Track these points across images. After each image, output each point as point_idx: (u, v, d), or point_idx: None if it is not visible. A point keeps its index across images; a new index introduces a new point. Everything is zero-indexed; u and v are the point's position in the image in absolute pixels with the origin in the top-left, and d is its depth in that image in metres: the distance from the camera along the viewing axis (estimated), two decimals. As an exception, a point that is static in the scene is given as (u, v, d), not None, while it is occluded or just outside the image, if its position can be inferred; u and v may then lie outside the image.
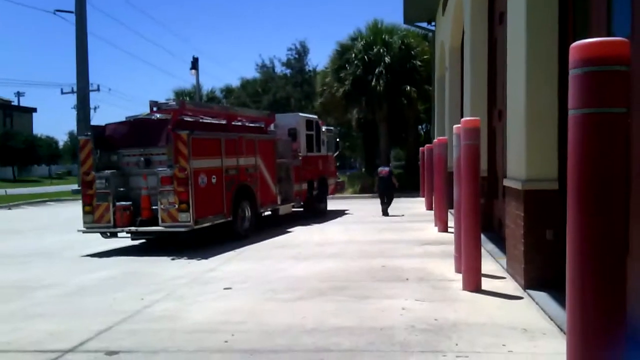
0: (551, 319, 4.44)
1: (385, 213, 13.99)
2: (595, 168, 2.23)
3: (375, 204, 17.84)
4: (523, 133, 5.71)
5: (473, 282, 5.62)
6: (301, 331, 4.44)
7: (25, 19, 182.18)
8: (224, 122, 10.62)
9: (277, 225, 12.11)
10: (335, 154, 16.83)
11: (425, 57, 23.37)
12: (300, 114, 15.16)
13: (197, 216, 8.98)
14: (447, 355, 3.76)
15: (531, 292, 5.30)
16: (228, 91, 38.06)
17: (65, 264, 8.46)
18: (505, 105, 8.36)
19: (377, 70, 23.24)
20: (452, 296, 5.39)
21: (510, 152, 6.46)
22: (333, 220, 13.32)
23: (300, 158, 13.48)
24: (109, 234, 9.53)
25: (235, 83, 38.60)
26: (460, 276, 5.96)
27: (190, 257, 8.41)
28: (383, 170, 14.54)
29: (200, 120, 10.00)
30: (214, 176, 9.50)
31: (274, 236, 10.57)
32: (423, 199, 16.34)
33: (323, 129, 15.42)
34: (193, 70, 30.34)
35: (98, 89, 35.62)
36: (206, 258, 8.32)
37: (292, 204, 13.05)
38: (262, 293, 5.86)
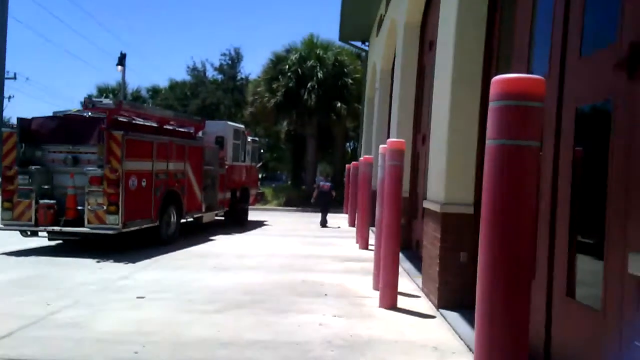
0: (461, 338, 4.63)
1: (324, 224, 14.74)
2: (506, 195, 2.38)
3: (299, 217, 17.99)
4: (444, 158, 5.96)
5: (389, 300, 5.76)
6: (216, 344, 4.36)
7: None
8: (155, 125, 10.46)
9: (198, 234, 11.88)
10: (259, 165, 17.06)
11: (357, 75, 23.88)
12: (229, 122, 15.21)
13: (125, 219, 8.79)
14: (360, 372, 3.83)
15: (444, 311, 5.50)
16: (155, 91, 36.93)
17: None
18: (429, 131, 8.72)
19: (309, 84, 23.46)
20: (368, 313, 5.49)
21: (431, 175, 6.72)
22: (255, 232, 13.24)
23: (226, 167, 13.49)
24: (29, 233, 9.14)
25: (163, 84, 37.52)
26: (377, 293, 6.09)
27: (104, 262, 8.05)
28: (325, 184, 15.43)
29: (133, 122, 9.79)
30: (144, 179, 9.37)
31: (194, 244, 10.33)
32: (346, 215, 16.59)
33: (249, 139, 15.63)
34: (120, 67, 29.18)
35: (14, 77, 33.49)
36: (121, 263, 7.99)
37: (216, 212, 13.03)
38: (177, 304, 5.69)
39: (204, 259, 8.68)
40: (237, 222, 14.32)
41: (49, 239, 9.45)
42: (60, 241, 9.67)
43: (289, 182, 32.34)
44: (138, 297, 5.90)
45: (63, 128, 9.26)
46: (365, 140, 19.00)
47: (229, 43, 66.97)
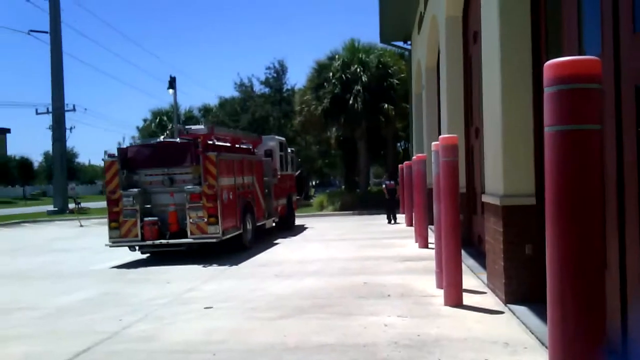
0: (532, 333, 4.48)
1: (392, 220, 16.09)
2: (571, 183, 2.29)
3: (356, 220, 17.98)
4: (500, 149, 5.81)
5: (454, 298, 5.66)
6: (283, 349, 4.41)
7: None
8: (229, 144, 11.84)
9: (260, 241, 12.28)
10: (297, 173, 18.13)
11: (402, 75, 23.68)
12: (276, 136, 16.64)
13: (223, 228, 10.02)
14: (430, 371, 3.78)
15: (512, 306, 5.35)
16: (206, 110, 37.97)
17: (44, 284, 8.30)
18: (481, 123, 8.53)
19: (354, 88, 23.44)
20: (434, 312, 5.41)
21: (488, 168, 6.57)
22: (314, 237, 13.32)
23: (278, 177, 14.58)
24: (136, 248, 10.36)
25: (213, 102, 38.52)
26: (441, 292, 6.00)
27: (171, 279, 8.32)
28: (390, 183, 16.80)
29: (217, 143, 11.00)
30: (231, 193, 10.59)
31: (259, 252, 10.66)
32: (402, 215, 16.45)
33: (289, 150, 16.92)
34: (170, 90, 30.19)
35: (74, 109, 35.08)
36: (185, 278, 8.23)
37: (274, 218, 14.05)
38: (243, 312, 5.81)
39: (267, 268, 8.82)
40: (287, 227, 15.40)
41: (142, 252, 10.73)
42: (149, 254, 10.89)
43: (342, 187, 32.34)
44: (206, 308, 6.06)
45: (157, 153, 10.48)
46: (416, 139, 18.76)
47: (272, 56, 68.00)
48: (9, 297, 7.41)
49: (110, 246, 10.20)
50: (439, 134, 13.95)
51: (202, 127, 11.38)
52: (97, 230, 18.69)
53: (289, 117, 30.16)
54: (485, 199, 6.52)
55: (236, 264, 9.45)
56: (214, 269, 9.06)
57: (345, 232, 14.42)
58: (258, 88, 33.11)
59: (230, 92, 47.65)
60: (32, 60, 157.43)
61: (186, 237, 9.93)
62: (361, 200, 22.99)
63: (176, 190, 10.16)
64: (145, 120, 39.40)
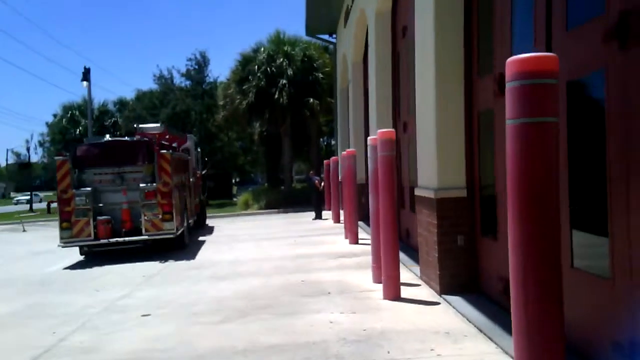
0: (469, 322, 4.67)
1: (319, 217, 16.11)
2: (533, 171, 2.43)
3: (282, 218, 17.94)
4: (433, 144, 5.99)
5: (393, 291, 5.78)
6: (234, 352, 4.33)
7: None
8: (173, 144, 12.08)
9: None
10: (204, 172, 18.02)
11: (327, 69, 23.80)
12: (191, 135, 16.68)
13: (177, 224, 10.33)
14: (382, 364, 3.84)
15: (447, 297, 5.55)
16: (122, 104, 36.33)
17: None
18: (410, 118, 8.75)
19: (280, 82, 23.28)
20: (375, 306, 5.51)
21: (421, 162, 6.74)
22: (242, 237, 13.11)
23: (197, 175, 15.02)
24: (85, 248, 10.44)
25: (130, 95, 36.95)
26: (378, 286, 6.13)
27: (103, 284, 7.92)
28: (318, 179, 16.87)
29: (164, 142, 11.34)
30: (177, 190, 10.78)
31: (187, 255, 10.33)
32: (328, 211, 16.61)
33: (198, 149, 17.07)
34: (85, 82, 28.56)
35: (-25, 103, 32.49)
36: (118, 283, 7.85)
37: (194, 217, 14.13)
38: (184, 317, 5.62)
39: (200, 270, 8.60)
40: (200, 226, 15.41)
41: (81, 254, 10.67)
42: (89, 255, 10.75)
43: (265, 184, 32.15)
44: (143, 315, 5.82)
45: (108, 152, 10.55)
46: (341, 134, 18.96)
47: (194, 48, 66.01)
48: None
49: (62, 247, 10.05)
50: (365, 129, 14.16)
51: (155, 125, 11.69)
52: (6, 237, 17.47)
53: (212, 112, 29.47)
54: (419, 192, 6.70)
55: (169, 266, 9.17)
56: (147, 271, 8.75)
57: (274, 230, 14.32)
58: (179, 81, 32.11)
59: (149, 85, 46.18)
60: None
61: (141, 234, 10.07)
62: (286, 197, 22.93)
63: (129, 188, 10.21)
64: (55, 116, 37.06)
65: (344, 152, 11.25)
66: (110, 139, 11.45)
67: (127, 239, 10.07)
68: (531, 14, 4.36)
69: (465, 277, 5.71)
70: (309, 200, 19.53)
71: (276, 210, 21.09)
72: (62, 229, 9.97)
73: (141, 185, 10.13)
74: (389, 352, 4.06)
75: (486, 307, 4.97)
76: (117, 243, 10.15)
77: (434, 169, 6.00)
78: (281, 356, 4.17)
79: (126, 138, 11.13)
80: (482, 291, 5.52)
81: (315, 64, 24.25)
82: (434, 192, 5.90)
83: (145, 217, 10.02)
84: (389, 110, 10.50)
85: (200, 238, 13.02)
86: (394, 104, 10.36)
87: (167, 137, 11.57)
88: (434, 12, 5.93)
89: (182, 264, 9.41)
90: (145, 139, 10.70)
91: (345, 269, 7.70)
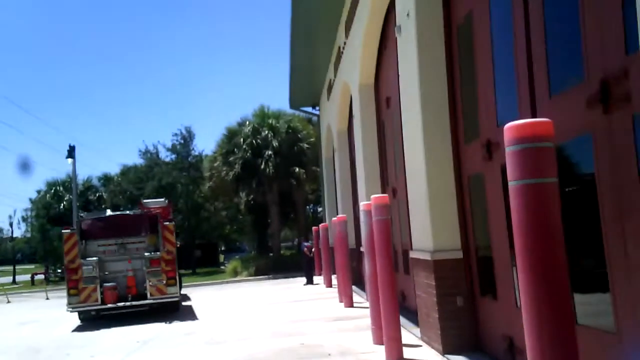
0: (477, 380, 4.70)
1: (310, 282, 16.07)
2: (539, 228, 2.61)
3: (273, 284, 17.81)
4: (426, 208, 6.20)
5: (395, 352, 5.81)
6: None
7: None
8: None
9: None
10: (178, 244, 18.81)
11: (311, 139, 24.43)
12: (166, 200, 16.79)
13: (179, 288, 11.51)
14: None
15: (450, 356, 5.59)
16: (107, 179, 36.46)
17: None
18: (398, 183, 9.04)
19: (265, 153, 23.76)
20: (379, 367, 5.52)
21: (415, 226, 6.94)
22: (235, 303, 13.01)
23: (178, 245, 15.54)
24: (93, 312, 11.23)
25: (114, 171, 37.14)
26: (379, 347, 6.19)
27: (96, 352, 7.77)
28: (308, 245, 17.17)
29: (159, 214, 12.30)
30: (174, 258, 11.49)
31: (181, 319, 10.36)
32: (319, 277, 16.59)
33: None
34: (70, 159, 28.84)
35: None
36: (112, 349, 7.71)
37: None
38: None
39: (195, 335, 8.53)
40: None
41: (81, 320, 11.40)
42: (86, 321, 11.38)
43: (253, 252, 31.97)
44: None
45: (112, 225, 11.56)
46: (328, 201, 19.24)
47: (179, 123, 67.46)
48: None
49: (71, 311, 10.88)
50: (353, 195, 14.47)
51: (159, 200, 12.85)
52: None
53: (197, 184, 29.72)
54: (414, 255, 6.86)
55: (162, 331, 9.13)
56: (142, 336, 8.79)
57: (266, 296, 14.23)
58: (164, 155, 32.51)
59: (134, 160, 46.64)
60: None
61: (145, 298, 10.93)
62: (275, 264, 22.86)
63: (133, 257, 11.17)
64: (39, 192, 37.00)
65: (335, 218, 11.44)
66: (111, 213, 12.55)
67: (133, 302, 10.91)
68: (514, 83, 4.71)
69: (467, 336, 5.77)
70: (298, 266, 19.53)
71: (266, 276, 20.96)
72: (70, 295, 10.72)
73: (145, 254, 11.10)
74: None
75: (491, 367, 5.00)
76: (124, 307, 10.97)
77: (428, 231, 6.17)
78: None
79: (128, 212, 12.46)
80: (485, 350, 5.57)
81: (299, 135, 24.91)
82: (430, 254, 6.05)
83: (150, 283, 10.88)
84: (377, 176, 10.81)
85: (190, 304, 12.86)
86: (381, 170, 10.68)
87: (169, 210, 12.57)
88: (418, 85, 6.30)
89: (178, 328, 9.41)
90: (146, 211, 11.72)
91: (344, 331, 7.70)
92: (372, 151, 10.87)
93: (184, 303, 12.88)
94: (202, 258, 31.62)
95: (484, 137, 5.35)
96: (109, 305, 10.82)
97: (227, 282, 20.88)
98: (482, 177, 5.49)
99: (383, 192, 10.59)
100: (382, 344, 6.06)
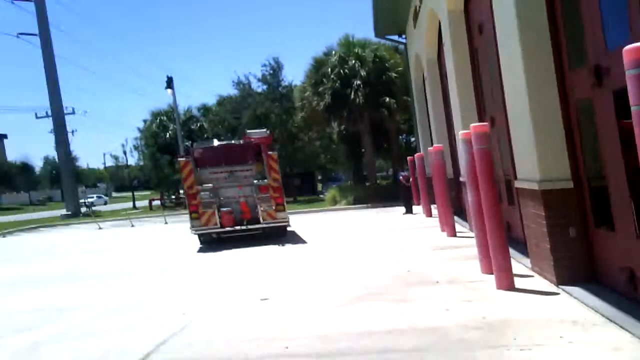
0: (596, 311, 4.65)
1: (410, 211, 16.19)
2: None
3: (372, 213, 18.21)
4: (531, 136, 5.95)
5: (506, 281, 5.86)
6: (357, 335, 4.62)
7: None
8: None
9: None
10: None
11: (399, 68, 23.87)
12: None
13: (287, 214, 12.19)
14: (510, 350, 3.99)
15: (565, 287, 5.52)
16: (205, 109, 38.00)
17: (89, 284, 8.63)
18: (497, 112, 8.72)
19: (354, 83, 23.64)
20: (490, 295, 5.61)
21: (519, 154, 6.75)
22: (337, 231, 13.53)
23: None
24: (214, 235, 12.10)
25: (211, 101, 38.55)
26: (488, 277, 6.24)
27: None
28: (405, 175, 17.16)
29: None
30: (280, 185, 12.27)
31: (286, 248, 10.96)
32: (417, 206, 16.72)
33: None
34: (169, 90, 30.36)
35: (73, 112, 35.23)
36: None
37: None
38: (298, 302, 6.00)
39: (304, 261, 9.07)
40: None
41: (202, 242, 12.26)
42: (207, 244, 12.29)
43: (350, 182, 32.55)
44: (262, 300, 6.28)
45: (220, 154, 12.37)
46: (421, 131, 18.96)
47: (267, 53, 67.92)
48: (64, 297, 7.64)
49: (194, 234, 11.84)
50: (448, 125, 14.15)
51: (261, 130, 12.99)
52: (114, 232, 18.99)
53: (290, 114, 30.28)
54: (520, 184, 6.71)
55: (270, 259, 9.80)
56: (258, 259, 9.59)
57: (367, 224, 14.65)
58: (256, 85, 33.11)
59: (228, 90, 47.82)
60: (28, 64, 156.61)
61: (259, 223, 11.76)
62: (373, 193, 23.27)
63: (243, 184, 11.99)
64: (145, 121, 39.33)
65: (431, 148, 11.33)
66: (219, 142, 13.30)
67: (249, 226, 11.81)
68: (624, 1, 4.35)
69: (581, 267, 5.66)
70: (395, 196, 19.76)
71: (364, 205, 21.45)
72: (192, 219, 11.67)
73: (254, 181, 11.86)
74: (515, 339, 4.18)
75: (611, 298, 4.90)
76: (241, 230, 11.91)
77: (534, 160, 5.97)
78: (404, 339, 4.41)
79: (234, 141, 13.22)
80: (601, 282, 5.47)
81: (387, 64, 24.43)
82: (537, 184, 5.89)
83: (262, 208, 11.71)
84: (472, 105, 10.45)
85: (296, 230, 13.62)
86: (477, 98, 10.32)
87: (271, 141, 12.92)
88: (514, 7, 5.91)
89: (289, 252, 10.16)
90: (250, 141, 12.26)
91: (450, 260, 7.83)
92: (465, 80, 10.43)
93: (289, 229, 13.51)
94: (301, 187, 32.80)
95: (591, 61, 5.04)
96: (227, 229, 11.74)
97: (327, 210, 21.66)
98: (591, 104, 5.22)
99: (479, 121, 10.29)
100: (491, 274, 6.13)
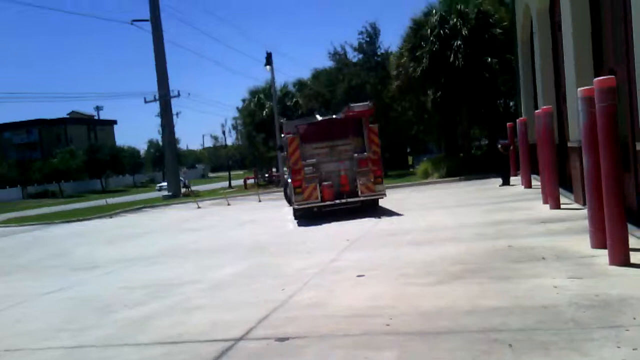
0: None
1: (506, 183, 15.49)
2: None
3: (467, 186, 17.55)
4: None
5: (621, 256, 5.33)
6: (458, 313, 4.40)
7: (102, 32, 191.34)
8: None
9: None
10: None
11: (504, 23, 22.45)
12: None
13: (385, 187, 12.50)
14: (630, 330, 3.61)
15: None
16: (301, 84, 38.30)
17: (195, 260, 9.02)
18: (619, 65, 7.88)
19: (454, 44, 22.59)
20: (602, 271, 5.15)
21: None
22: (430, 205, 13.17)
23: None
24: (315, 209, 12.48)
25: (306, 76, 38.75)
26: (599, 252, 5.74)
27: (311, 250, 8.62)
28: (504, 143, 16.29)
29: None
30: (379, 158, 12.52)
31: (380, 221, 10.87)
32: (515, 177, 15.86)
33: None
34: (268, 66, 30.92)
35: (178, 95, 36.98)
36: (324, 248, 8.46)
37: None
38: (396, 279, 5.87)
39: (396, 236, 8.86)
40: None
41: (298, 217, 12.68)
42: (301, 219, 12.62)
43: (442, 153, 31.52)
44: (358, 276, 6.21)
45: (323, 129, 12.75)
46: (524, 93, 17.79)
47: (364, 20, 66.44)
48: (170, 273, 8.02)
49: (296, 208, 12.32)
50: (557, 84, 13.12)
51: (364, 103, 12.93)
52: (213, 210, 19.81)
53: (385, 83, 29.67)
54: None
55: (370, 229, 9.82)
56: (351, 234, 9.52)
57: (461, 197, 14.14)
58: (351, 55, 32.66)
59: (323, 63, 47.79)
60: (137, 50, 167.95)
61: (357, 196, 12.06)
62: (467, 164, 22.36)
63: (343, 158, 12.32)
64: (244, 100, 40.50)
65: (539, 110, 10.52)
66: (320, 118, 13.79)
67: (348, 200, 12.13)
68: None
69: None
70: (490, 167, 18.83)
71: (457, 178, 20.73)
72: (295, 193, 12.11)
73: (355, 155, 12.17)
74: (635, 319, 3.79)
75: None
76: (340, 204, 12.24)
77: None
78: (510, 318, 4.13)
79: (335, 116, 13.40)
80: None
81: (490, 20, 23.10)
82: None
83: (360, 182, 12.00)
84: (590, 60, 9.55)
85: (390, 204, 13.43)
86: (595, 51, 9.40)
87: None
88: None
89: (384, 226, 10.08)
90: (351, 115, 12.45)
91: (555, 235, 7.30)
92: (584, 29, 9.52)
93: (383, 204, 13.42)
94: (391, 160, 32.11)
95: None
96: (327, 202, 12.09)
97: (419, 184, 21.19)
98: None
99: (597, 75, 9.40)
100: (602, 248, 5.64)
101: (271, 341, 4.28)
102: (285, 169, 19.67)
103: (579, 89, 6.36)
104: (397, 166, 34.17)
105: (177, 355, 4.25)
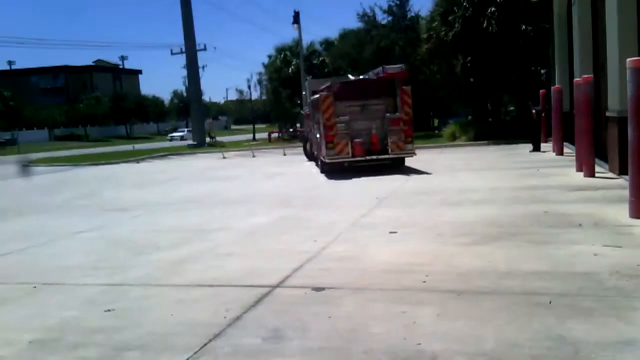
0: None
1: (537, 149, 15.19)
2: None
3: (496, 150, 17.30)
4: None
5: (663, 227, 5.25)
6: (497, 274, 4.37)
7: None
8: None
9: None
10: None
11: (540, -9, 21.58)
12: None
13: (414, 147, 12.93)
14: (677, 300, 3.56)
15: None
16: (328, 44, 37.92)
17: (223, 209, 9.05)
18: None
19: (488, 10, 21.87)
20: (643, 241, 5.06)
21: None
22: (460, 167, 13.02)
23: None
24: (346, 164, 12.78)
25: (334, 36, 38.34)
26: (638, 221, 5.63)
27: (340, 205, 8.59)
28: (538, 109, 15.91)
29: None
30: (410, 119, 12.85)
31: (409, 181, 10.91)
32: (545, 144, 15.58)
33: None
34: (295, 25, 30.52)
35: (205, 49, 36.86)
36: (353, 205, 8.41)
37: None
38: (432, 237, 5.84)
39: (428, 196, 8.81)
40: None
41: (326, 172, 13.03)
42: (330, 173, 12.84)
43: (470, 117, 30.99)
44: (391, 232, 6.19)
45: (356, 88, 13.29)
46: (559, 63, 17.29)
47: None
48: (200, 219, 8.10)
49: (328, 162, 12.61)
50: (594, 53, 12.71)
51: (398, 65, 13.37)
52: (239, 161, 19.90)
53: (414, 46, 29.03)
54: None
55: (400, 187, 9.93)
56: (381, 191, 9.57)
57: (491, 161, 13.97)
58: (381, 17, 32.17)
59: (352, 24, 46.95)
60: (163, 2, 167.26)
61: (386, 153, 12.51)
62: (495, 129, 21.97)
63: (375, 117, 12.60)
64: (270, 57, 40.24)
65: (579, 79, 10.23)
66: (353, 78, 14.08)
67: (379, 156, 12.52)
68: None
69: None
70: (519, 132, 18.50)
71: (485, 142, 20.40)
72: (327, 148, 12.45)
73: (387, 114, 12.53)
74: (681, 289, 3.74)
75: None
76: (371, 159, 12.59)
77: None
78: (551, 283, 4.08)
79: (368, 77, 13.81)
80: None
81: (526, -13, 22.12)
82: None
83: (391, 140, 12.42)
84: (634, 29, 9.18)
85: (419, 165, 13.38)
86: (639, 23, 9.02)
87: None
88: None
89: (414, 185, 10.20)
90: (384, 76, 12.87)
91: (591, 202, 7.16)
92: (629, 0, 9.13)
93: (411, 164, 13.38)
94: (417, 122, 31.59)
95: None
96: (358, 158, 12.47)
97: (446, 147, 20.96)
98: None
99: (640, 45, 9.05)
100: (641, 218, 5.53)
101: (308, 290, 4.31)
102: (304, 126, 19.50)
103: (628, 59, 6.16)
104: (423, 128, 33.70)
105: (217, 297, 4.31)
